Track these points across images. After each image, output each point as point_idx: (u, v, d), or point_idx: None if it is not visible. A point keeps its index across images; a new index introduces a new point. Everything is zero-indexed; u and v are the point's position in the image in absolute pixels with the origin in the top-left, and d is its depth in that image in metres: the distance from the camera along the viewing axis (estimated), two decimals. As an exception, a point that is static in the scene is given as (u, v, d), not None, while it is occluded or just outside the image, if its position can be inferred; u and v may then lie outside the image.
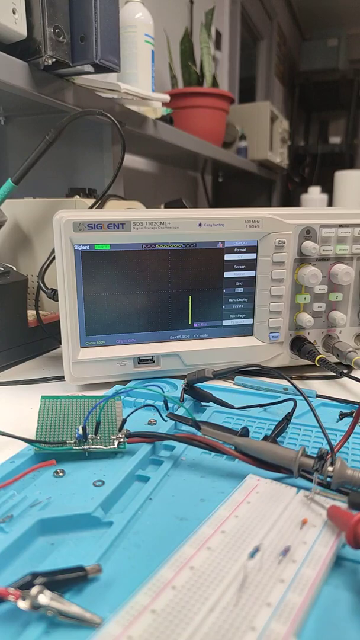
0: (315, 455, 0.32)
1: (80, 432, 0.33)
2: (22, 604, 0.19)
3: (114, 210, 0.46)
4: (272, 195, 1.92)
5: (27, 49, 0.59)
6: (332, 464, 0.29)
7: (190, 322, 0.50)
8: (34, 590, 0.20)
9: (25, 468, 0.30)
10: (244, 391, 0.48)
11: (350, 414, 0.42)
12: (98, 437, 0.34)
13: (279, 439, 0.38)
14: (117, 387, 0.46)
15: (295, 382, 0.51)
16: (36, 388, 0.49)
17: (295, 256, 0.50)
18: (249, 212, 0.48)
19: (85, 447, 0.33)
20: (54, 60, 0.59)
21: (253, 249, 0.50)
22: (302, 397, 0.46)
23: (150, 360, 0.49)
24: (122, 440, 0.34)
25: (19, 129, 0.90)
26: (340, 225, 0.51)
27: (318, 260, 0.51)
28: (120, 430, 0.35)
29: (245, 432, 0.35)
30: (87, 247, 0.45)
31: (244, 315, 0.52)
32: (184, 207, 0.78)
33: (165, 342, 0.50)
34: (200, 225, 0.47)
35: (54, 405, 0.37)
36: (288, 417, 0.38)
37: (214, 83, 1.44)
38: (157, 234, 0.46)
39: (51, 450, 0.32)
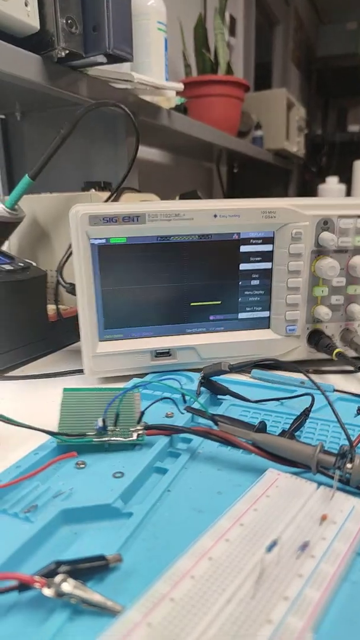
0: (332, 451, 0.32)
1: (100, 424, 0.34)
2: (47, 592, 0.20)
3: (129, 203, 0.47)
4: (288, 186, 1.89)
5: (40, 41, 0.59)
6: (351, 461, 0.29)
7: (206, 315, 0.50)
8: (58, 578, 0.21)
9: (48, 459, 0.31)
10: (260, 385, 0.48)
11: (367, 408, 0.42)
12: (117, 429, 0.35)
13: (296, 433, 0.38)
14: (135, 380, 0.46)
15: (313, 376, 0.51)
16: (57, 381, 0.50)
17: (313, 247, 0.50)
18: (265, 203, 0.48)
19: (104, 439, 0.34)
20: (67, 52, 0.59)
21: (269, 240, 0.50)
22: (319, 392, 0.46)
23: (167, 353, 0.50)
24: (140, 432, 0.35)
25: (35, 124, 0.90)
26: (359, 216, 0.50)
27: (336, 252, 0.50)
28: (138, 422, 0.36)
29: (262, 427, 0.35)
30: (104, 240, 0.45)
31: (260, 308, 0.52)
32: (199, 198, 0.77)
33: (181, 335, 0.50)
34: (215, 216, 0.47)
35: (75, 397, 0.38)
36: (306, 412, 0.38)
37: (229, 70, 1.42)
38: (172, 225, 0.46)
39: (73, 442, 0.33)
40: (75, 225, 0.44)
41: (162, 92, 0.85)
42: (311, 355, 0.53)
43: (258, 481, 0.30)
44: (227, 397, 0.44)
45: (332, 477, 0.29)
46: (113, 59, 0.64)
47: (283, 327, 0.51)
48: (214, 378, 0.44)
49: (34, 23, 0.56)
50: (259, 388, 0.47)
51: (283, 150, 1.62)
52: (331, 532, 0.25)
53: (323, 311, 0.51)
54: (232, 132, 1.48)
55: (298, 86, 3.07)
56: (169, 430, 0.35)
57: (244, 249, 0.49)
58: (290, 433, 0.35)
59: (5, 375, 0.51)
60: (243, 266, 0.50)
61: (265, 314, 0.52)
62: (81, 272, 0.45)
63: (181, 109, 1.04)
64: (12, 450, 0.34)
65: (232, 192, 1.99)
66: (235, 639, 0.19)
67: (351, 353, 0.52)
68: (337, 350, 0.49)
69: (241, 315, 0.51)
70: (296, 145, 1.71)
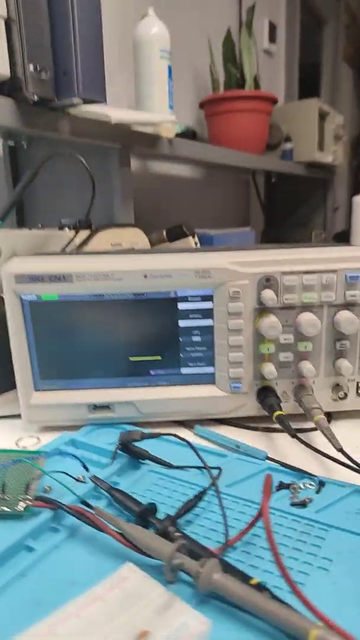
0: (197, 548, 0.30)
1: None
2: None
3: (59, 259, 0.47)
4: (327, 194, 1.81)
5: (13, 87, 0.61)
6: (203, 565, 0.28)
7: (146, 370, 0.50)
8: None
9: None
10: (195, 445, 0.47)
11: (288, 487, 0.39)
12: (7, 497, 0.36)
13: (196, 512, 0.36)
14: (65, 436, 0.47)
15: (261, 435, 0.49)
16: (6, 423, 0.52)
17: (255, 305, 0.48)
18: (198, 262, 0.46)
19: (-11, 509, 0.35)
20: (37, 97, 0.60)
21: (209, 297, 0.48)
22: (252, 458, 0.44)
23: (106, 407, 0.50)
24: (29, 503, 0.35)
25: (42, 149, 0.94)
26: (306, 272, 0.47)
27: (282, 309, 0.48)
28: (26, 491, 0.36)
29: (145, 511, 0.34)
30: (35, 297, 0.46)
31: (203, 364, 0.50)
32: (185, 234, 0.76)
33: (121, 389, 0.50)
34: (145, 277, 0.46)
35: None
36: (199, 496, 0.36)
37: (256, 85, 1.38)
38: (101, 285, 0.46)
39: None
40: (6, 283, 0.45)
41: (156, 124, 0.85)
42: (262, 411, 0.51)
43: (107, 578, 0.29)
44: (148, 460, 0.43)
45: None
46: (88, 101, 0.65)
47: (227, 384, 0.50)
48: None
49: (4, 71, 0.58)
50: (190, 450, 0.46)
51: (315, 162, 1.55)
52: (144, 656, 0.24)
53: (268, 369, 0.48)
54: (260, 147, 1.45)
55: (352, 84, 2.91)
56: (52, 504, 0.35)
57: (182, 306, 0.48)
58: (173, 519, 0.34)
59: None
60: (182, 323, 0.49)
61: (210, 369, 0.50)
62: (13, 326, 0.46)
63: (189, 134, 1.03)
64: None
65: (270, 202, 1.94)
66: None
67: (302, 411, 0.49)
68: (277, 413, 0.46)
69: (184, 371, 0.50)
70: (332, 155, 1.63)
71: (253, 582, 0.28)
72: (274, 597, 0.27)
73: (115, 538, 0.32)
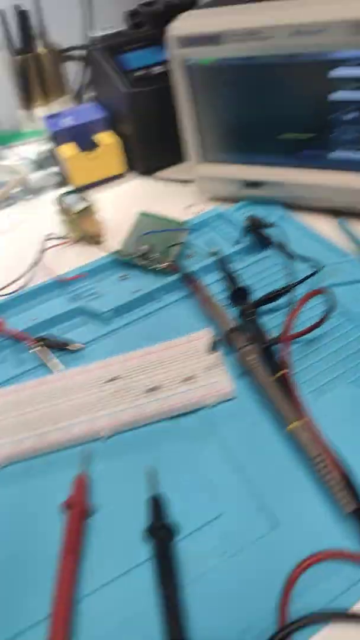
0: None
1: (143, 249, 0.47)
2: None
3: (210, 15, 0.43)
4: None
5: None
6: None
7: (297, 149, 0.47)
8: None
9: (105, 269, 0.48)
10: (326, 240, 0.47)
11: None
12: (157, 256, 0.47)
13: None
14: (218, 208, 0.53)
15: None
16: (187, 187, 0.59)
17: None
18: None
19: (142, 262, 0.47)
20: None
21: (372, 62, 0.38)
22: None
23: (257, 184, 0.52)
24: (171, 265, 0.46)
25: None
26: None
27: None
28: (170, 255, 0.46)
29: (238, 289, 0.42)
30: (193, 61, 0.46)
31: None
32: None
33: (271, 168, 0.50)
34: (294, 34, 0.39)
35: (145, 222, 0.50)
36: (284, 290, 0.40)
37: None
38: (250, 47, 0.42)
39: (123, 260, 0.48)
40: (170, 46, 0.45)
41: None
42: None
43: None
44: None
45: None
46: None
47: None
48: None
49: None
50: (318, 245, 0.47)
51: None
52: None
53: None
54: None
55: None
56: (177, 269, 0.45)
57: (334, 73, 0.40)
58: (255, 304, 0.40)
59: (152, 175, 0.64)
60: (334, 95, 0.42)
61: (367, 155, 0.44)
62: (181, 92, 0.48)
63: None
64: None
65: None
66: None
67: None
68: None
69: (333, 155, 0.46)
70: None
71: (280, 372, 0.35)
72: (287, 388, 0.33)
73: (201, 303, 0.41)
